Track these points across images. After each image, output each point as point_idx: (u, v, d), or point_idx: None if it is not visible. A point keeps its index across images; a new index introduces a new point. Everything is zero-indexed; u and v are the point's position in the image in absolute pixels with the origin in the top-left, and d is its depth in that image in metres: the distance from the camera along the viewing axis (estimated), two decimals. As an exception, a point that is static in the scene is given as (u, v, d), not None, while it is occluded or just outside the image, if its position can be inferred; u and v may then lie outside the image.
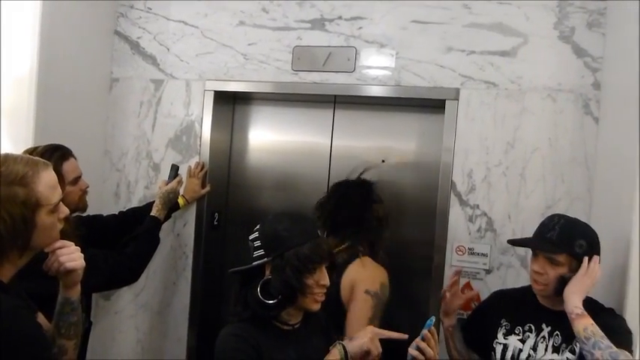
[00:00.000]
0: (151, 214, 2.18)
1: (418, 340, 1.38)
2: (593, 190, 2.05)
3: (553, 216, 1.65)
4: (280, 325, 1.42)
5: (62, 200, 1.26)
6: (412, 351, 1.38)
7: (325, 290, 1.42)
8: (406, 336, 1.44)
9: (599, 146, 2.03)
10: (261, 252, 1.39)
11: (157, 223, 2.18)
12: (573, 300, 1.50)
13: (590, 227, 1.61)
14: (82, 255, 1.29)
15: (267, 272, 1.39)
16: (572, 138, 2.09)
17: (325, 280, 1.40)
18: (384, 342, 1.44)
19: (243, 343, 1.34)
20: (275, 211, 1.55)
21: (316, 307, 1.42)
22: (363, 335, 1.42)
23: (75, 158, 1.93)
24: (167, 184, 2.31)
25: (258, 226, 1.44)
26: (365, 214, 1.95)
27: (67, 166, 1.87)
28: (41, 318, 1.26)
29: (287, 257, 1.36)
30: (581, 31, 2.09)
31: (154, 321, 2.57)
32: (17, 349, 1.08)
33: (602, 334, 1.42)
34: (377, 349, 1.41)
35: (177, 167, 2.39)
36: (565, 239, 1.56)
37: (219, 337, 1.39)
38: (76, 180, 1.92)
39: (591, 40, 2.08)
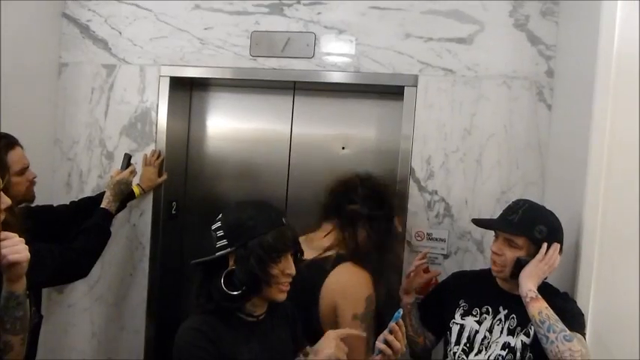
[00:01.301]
0: (101, 205, 2.10)
1: (386, 333, 1.37)
2: (546, 174, 2.11)
3: (519, 200, 1.68)
4: (244, 316, 1.40)
5: (7, 191, 1.20)
6: (380, 344, 1.37)
7: (291, 279, 1.39)
8: (364, 334, 1.45)
9: (552, 132, 2.09)
10: (224, 242, 1.35)
11: (107, 216, 2.09)
12: (527, 284, 1.53)
13: (555, 216, 1.64)
14: (27, 247, 1.22)
15: (231, 263, 1.36)
16: (527, 124, 2.14)
17: (291, 269, 1.38)
18: None
19: (201, 339, 1.31)
20: (235, 200, 1.52)
21: (282, 297, 1.39)
22: (327, 345, 1.38)
23: (21, 147, 1.84)
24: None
25: (220, 216, 1.40)
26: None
27: (13, 156, 1.78)
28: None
29: (251, 247, 1.32)
30: (535, 19, 2.13)
31: (110, 314, 2.50)
32: None
33: (557, 317, 1.45)
34: (343, 351, 1.39)
35: (130, 156, 2.31)
36: (526, 223, 1.59)
37: (179, 331, 1.35)
38: (23, 170, 1.83)
39: (545, 29, 2.12)
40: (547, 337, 1.43)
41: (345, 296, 1.60)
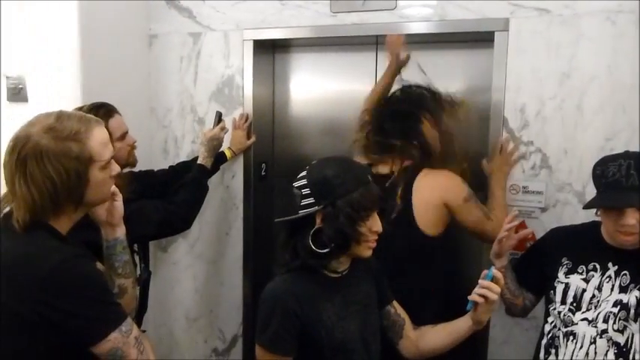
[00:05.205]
0: (198, 162, 2.21)
1: (480, 289, 1.35)
2: (658, 118, 1.92)
3: (617, 158, 1.49)
4: (329, 273, 1.41)
5: (112, 157, 1.28)
6: (474, 296, 1.36)
7: (377, 237, 1.39)
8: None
9: (665, 70, 1.88)
10: (310, 200, 1.34)
11: (204, 171, 2.20)
12: None
13: None
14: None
15: (318, 221, 1.35)
16: (634, 64, 1.94)
17: (378, 226, 1.37)
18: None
19: (287, 298, 1.35)
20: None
21: (368, 253, 1.39)
22: None
23: (120, 114, 1.96)
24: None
25: (304, 173, 1.38)
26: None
27: (113, 123, 1.89)
28: (100, 265, 1.31)
29: (340, 205, 1.31)
30: (643, -58, 1.90)
31: (209, 270, 2.66)
32: (81, 293, 1.14)
33: None
34: None
35: (220, 114, 2.36)
36: None
37: (264, 293, 1.39)
38: (123, 136, 1.96)
39: (656, -47, 1.89)
40: None
41: (447, 188, 1.85)
